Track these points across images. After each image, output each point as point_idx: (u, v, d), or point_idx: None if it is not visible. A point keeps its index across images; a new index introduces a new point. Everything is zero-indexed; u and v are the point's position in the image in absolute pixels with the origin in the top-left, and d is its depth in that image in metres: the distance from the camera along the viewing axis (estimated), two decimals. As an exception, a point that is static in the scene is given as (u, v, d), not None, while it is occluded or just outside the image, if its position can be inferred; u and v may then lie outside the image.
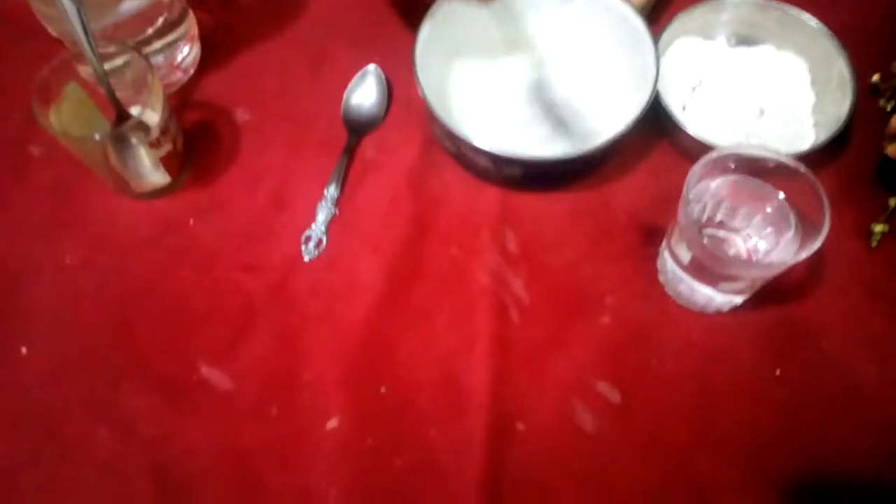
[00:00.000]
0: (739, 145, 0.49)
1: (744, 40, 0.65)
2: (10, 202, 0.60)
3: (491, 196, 0.60)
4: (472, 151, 0.57)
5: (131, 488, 0.50)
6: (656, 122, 0.60)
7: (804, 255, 0.47)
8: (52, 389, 0.53)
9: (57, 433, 0.51)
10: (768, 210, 0.51)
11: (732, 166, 0.51)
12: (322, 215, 0.59)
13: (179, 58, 0.65)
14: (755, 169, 0.51)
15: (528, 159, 0.57)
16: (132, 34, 0.60)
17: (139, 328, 0.55)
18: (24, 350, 0.54)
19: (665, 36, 0.63)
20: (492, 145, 0.55)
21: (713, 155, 0.49)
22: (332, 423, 0.52)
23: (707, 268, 0.49)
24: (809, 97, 0.63)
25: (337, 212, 0.60)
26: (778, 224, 0.51)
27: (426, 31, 0.60)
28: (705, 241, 0.47)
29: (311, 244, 0.58)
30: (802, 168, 0.48)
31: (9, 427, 0.52)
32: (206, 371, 0.53)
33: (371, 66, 0.65)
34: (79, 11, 0.52)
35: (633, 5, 0.61)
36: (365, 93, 0.64)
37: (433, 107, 0.56)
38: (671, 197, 0.59)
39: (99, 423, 0.52)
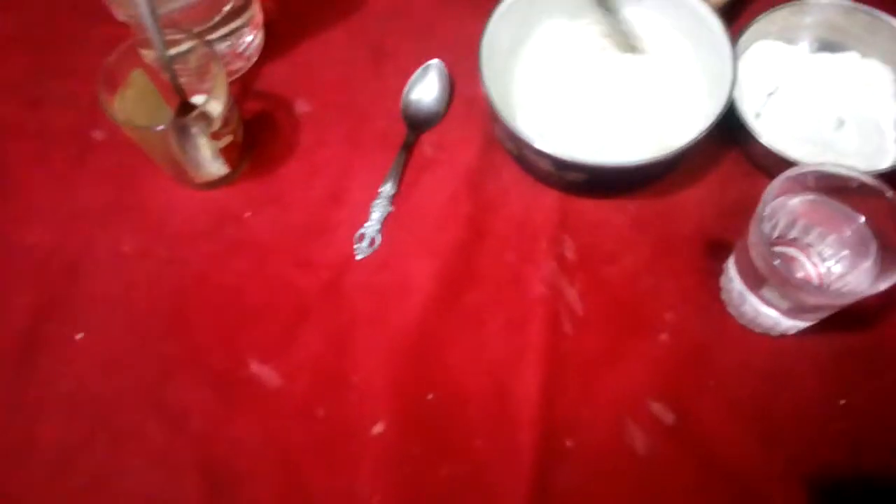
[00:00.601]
0: (821, 164, 0.47)
1: (827, 46, 0.61)
2: (72, 186, 0.61)
3: (550, 201, 0.59)
4: (534, 154, 0.56)
5: (180, 481, 0.50)
6: (728, 129, 0.57)
7: (884, 285, 0.44)
8: (106, 377, 0.54)
9: (110, 421, 0.52)
10: (847, 233, 0.48)
11: (812, 184, 0.48)
12: (377, 213, 0.58)
13: (243, 46, 0.64)
14: (836, 188, 0.48)
15: (593, 165, 0.54)
16: (200, 20, 0.59)
17: (192, 320, 0.55)
18: (79, 336, 0.55)
19: (743, 39, 0.60)
20: (555, 149, 0.53)
21: (792, 172, 0.46)
22: (378, 428, 0.51)
23: (776, 291, 0.47)
24: (894, 109, 0.59)
25: (392, 210, 0.59)
26: (856, 248, 0.48)
27: (493, 26, 0.58)
28: (776, 262, 0.45)
29: (365, 242, 0.57)
30: (889, 192, 0.45)
31: (64, 412, 0.53)
32: (257, 367, 0.53)
33: (434, 61, 0.63)
34: (146, -2, 0.52)
35: (710, 5, 0.58)
36: (426, 88, 0.63)
37: (496, 106, 0.55)
38: (739, 210, 0.57)
39: (151, 414, 0.52)
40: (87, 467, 0.51)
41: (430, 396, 0.52)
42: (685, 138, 0.53)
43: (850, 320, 0.52)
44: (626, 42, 0.61)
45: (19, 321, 0.56)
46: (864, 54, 0.60)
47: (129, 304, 0.56)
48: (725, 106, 0.54)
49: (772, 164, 0.56)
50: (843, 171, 0.47)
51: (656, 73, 0.61)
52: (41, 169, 0.62)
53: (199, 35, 0.59)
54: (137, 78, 0.56)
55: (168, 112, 0.58)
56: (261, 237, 0.58)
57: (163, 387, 0.53)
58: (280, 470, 0.51)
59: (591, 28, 0.62)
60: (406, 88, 0.63)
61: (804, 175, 0.47)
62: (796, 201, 0.49)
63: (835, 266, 0.50)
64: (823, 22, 0.61)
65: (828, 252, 0.50)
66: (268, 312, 0.55)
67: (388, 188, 0.59)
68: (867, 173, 0.46)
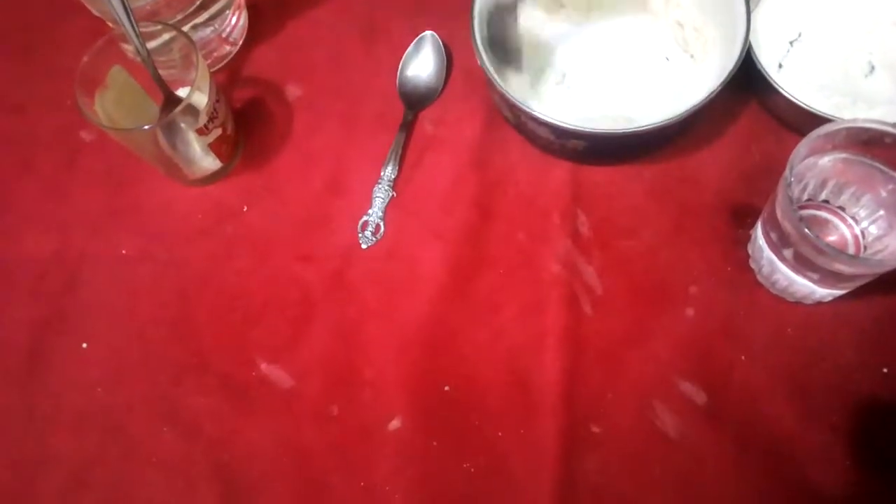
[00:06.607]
0: (853, 119, 0.43)
1: (852, -16, 0.57)
2: (65, 191, 0.59)
3: (560, 173, 0.55)
4: (532, 122, 0.52)
5: (196, 489, 0.49)
6: (747, 81, 0.54)
7: (927, 248, 0.40)
8: (115, 387, 0.52)
9: (122, 432, 0.51)
10: (883, 194, 0.45)
11: (843, 142, 0.44)
12: (379, 199, 0.55)
13: (227, 29, 0.61)
14: (869, 144, 0.44)
15: (593, 132, 0.50)
16: (181, 5, 0.56)
17: (198, 322, 0.54)
18: (85, 346, 0.53)
19: (759, -17, 0.55)
20: (553, 116, 0.50)
21: (821, 130, 0.43)
22: (395, 424, 0.49)
23: (808, 260, 0.44)
24: (929, 49, 0.54)
25: (395, 194, 0.56)
26: (893, 208, 0.45)
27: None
28: (805, 229, 0.41)
29: (369, 230, 0.55)
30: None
31: (75, 425, 0.51)
32: (266, 368, 0.52)
33: (427, 33, 0.60)
34: (118, -10, 0.49)
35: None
36: (421, 63, 0.59)
37: (490, 70, 0.51)
38: (764, 170, 0.54)
39: (162, 422, 0.51)
40: (101, 480, 0.50)
41: (446, 388, 0.50)
42: (697, 97, 0.49)
43: (890, 283, 0.48)
44: None
45: (23, 335, 0.54)
46: (893, -10, 0.56)
47: (132, 310, 0.54)
48: (738, 62, 0.50)
49: (797, 119, 0.52)
50: (877, 126, 0.43)
51: (663, 28, 0.57)
52: (31, 176, 0.60)
53: (179, 24, 0.57)
54: (117, 75, 0.53)
55: (153, 108, 0.56)
56: (261, 232, 0.56)
57: (173, 393, 0.52)
58: (297, 472, 0.49)
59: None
60: (401, 64, 0.59)
61: (834, 133, 0.43)
62: (826, 160, 0.46)
63: (871, 227, 0.47)
64: (846, -43, 0.56)
65: (862, 213, 0.47)
66: (273, 310, 0.53)
67: (388, 171, 0.56)
68: (902, 126, 0.43)
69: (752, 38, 0.52)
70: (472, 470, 0.48)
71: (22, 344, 0.54)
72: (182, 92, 0.56)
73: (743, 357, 0.49)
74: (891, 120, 0.50)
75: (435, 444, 0.49)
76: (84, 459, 0.50)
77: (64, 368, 0.53)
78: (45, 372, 0.53)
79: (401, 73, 0.59)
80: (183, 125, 0.52)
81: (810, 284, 0.46)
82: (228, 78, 0.62)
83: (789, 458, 0.46)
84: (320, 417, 0.50)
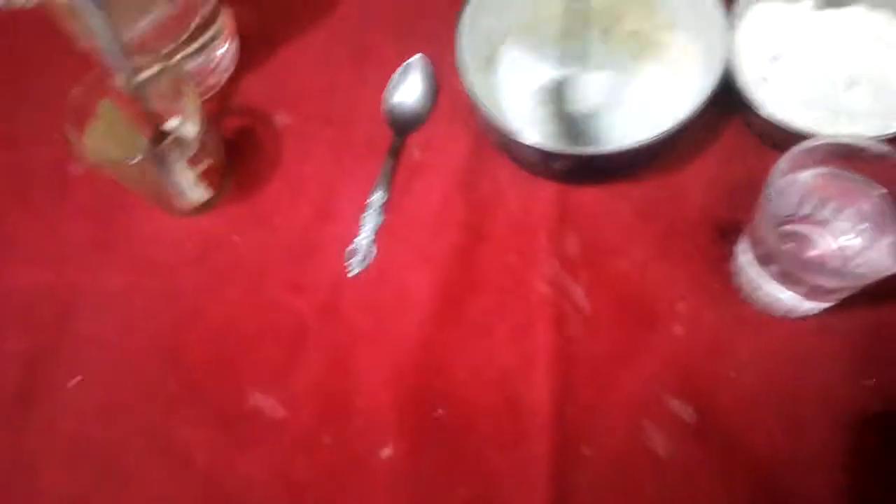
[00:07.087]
0: (832, 136, 0.43)
1: (832, 1, 0.57)
2: (54, 225, 0.59)
3: (548, 194, 0.56)
4: (518, 145, 0.53)
5: (190, 522, 0.49)
6: (729, 98, 0.54)
7: (908, 261, 0.41)
8: (105, 422, 0.52)
9: (113, 467, 0.51)
10: (865, 207, 0.45)
11: (823, 157, 0.45)
12: (369, 225, 0.56)
13: (215, 60, 0.62)
14: (850, 158, 0.45)
15: (578, 154, 0.51)
16: (169, 38, 0.57)
17: (188, 355, 0.54)
18: (74, 381, 0.53)
19: (740, 3, 0.56)
20: (539, 138, 0.50)
21: (801, 147, 0.43)
22: (388, 452, 0.49)
23: (792, 274, 0.44)
24: (907, 63, 0.55)
25: (384, 220, 0.56)
26: (876, 221, 0.45)
27: (469, 13, 0.55)
28: (786, 246, 0.42)
29: (359, 258, 0.55)
30: (906, 161, 0.42)
31: (66, 461, 0.51)
32: (258, 399, 0.52)
33: (415, 58, 0.60)
34: (106, 25, 0.49)
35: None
36: (408, 88, 0.60)
37: (474, 94, 0.52)
38: (746, 186, 0.54)
39: (154, 457, 0.51)
40: (96, 516, 0.50)
41: (438, 413, 0.50)
42: (679, 117, 0.50)
43: (874, 295, 0.48)
44: None
45: (12, 370, 0.54)
46: (872, 7, 0.56)
47: (122, 344, 0.54)
48: (719, 80, 0.50)
49: (778, 135, 0.53)
50: (856, 141, 0.43)
51: (645, 49, 0.58)
52: (21, 209, 0.60)
53: (168, 56, 0.57)
54: (106, 109, 0.53)
55: (141, 140, 0.56)
56: (251, 262, 0.56)
57: (164, 427, 0.52)
58: (290, 503, 0.49)
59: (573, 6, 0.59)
60: (387, 90, 0.60)
61: (814, 148, 0.44)
62: (808, 175, 0.46)
63: (853, 241, 0.47)
64: (824, -25, 0.57)
65: (845, 226, 0.47)
66: (265, 340, 0.53)
67: (377, 198, 0.56)
68: (882, 139, 0.43)
69: (733, 54, 0.52)
70: (467, 495, 0.48)
71: (10, 378, 0.54)
72: (172, 123, 0.56)
73: (731, 373, 0.49)
74: (871, 134, 0.51)
75: (428, 470, 0.49)
76: (77, 494, 0.50)
77: (53, 404, 0.53)
78: (34, 408, 0.53)
79: (388, 99, 0.60)
80: (172, 157, 0.52)
81: (795, 298, 0.46)
82: (218, 107, 0.62)
83: (778, 473, 0.46)
84: (313, 447, 0.50)
